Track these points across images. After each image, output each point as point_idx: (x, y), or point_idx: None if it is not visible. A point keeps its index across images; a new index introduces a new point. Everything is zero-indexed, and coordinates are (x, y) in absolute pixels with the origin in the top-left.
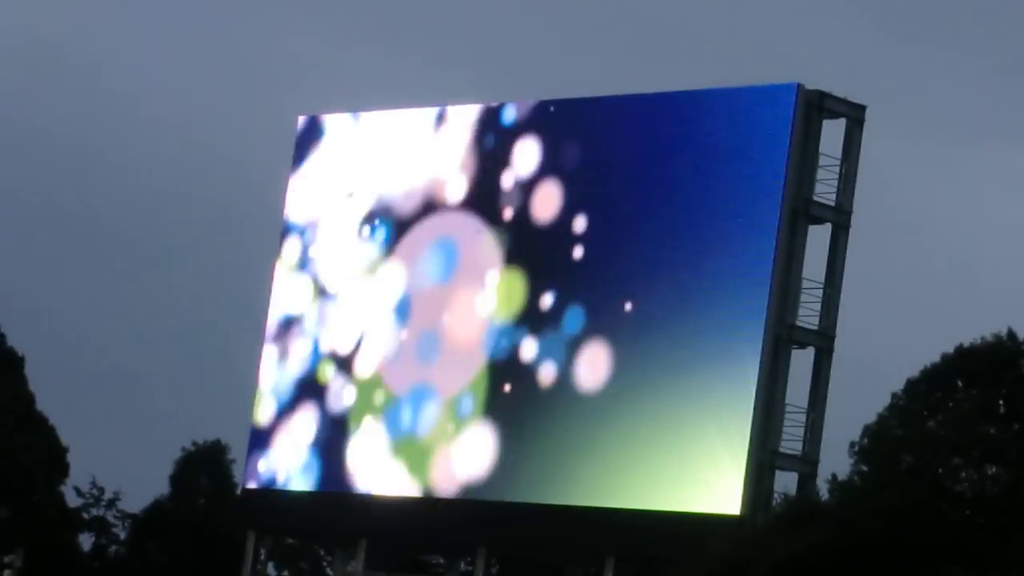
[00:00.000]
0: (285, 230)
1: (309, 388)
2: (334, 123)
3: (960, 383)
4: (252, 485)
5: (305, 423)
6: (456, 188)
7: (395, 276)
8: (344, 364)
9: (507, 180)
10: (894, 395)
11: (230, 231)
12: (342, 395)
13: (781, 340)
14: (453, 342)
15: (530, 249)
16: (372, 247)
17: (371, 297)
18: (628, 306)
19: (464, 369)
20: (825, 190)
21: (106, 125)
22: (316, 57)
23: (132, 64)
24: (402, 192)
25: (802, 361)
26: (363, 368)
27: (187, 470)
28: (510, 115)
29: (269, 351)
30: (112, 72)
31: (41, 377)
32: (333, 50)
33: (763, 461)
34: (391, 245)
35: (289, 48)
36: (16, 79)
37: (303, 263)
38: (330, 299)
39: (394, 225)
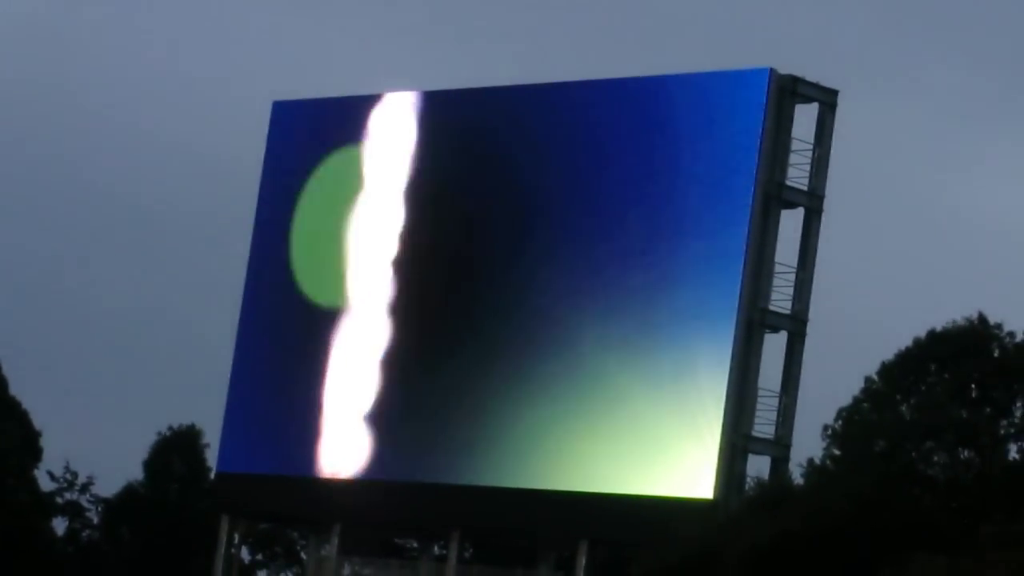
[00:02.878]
0: (259, 215)
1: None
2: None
3: (933, 367)
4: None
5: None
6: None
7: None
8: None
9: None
10: (867, 379)
11: (205, 215)
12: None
13: (754, 324)
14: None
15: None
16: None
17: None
18: (601, 290)
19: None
20: (798, 175)
21: (85, 110)
22: (293, 41)
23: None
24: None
25: (775, 345)
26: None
27: (161, 454)
28: (479, 100)
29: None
30: (88, 61)
31: (14, 361)
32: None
33: (736, 445)
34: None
35: (268, 32)
36: None
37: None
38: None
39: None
